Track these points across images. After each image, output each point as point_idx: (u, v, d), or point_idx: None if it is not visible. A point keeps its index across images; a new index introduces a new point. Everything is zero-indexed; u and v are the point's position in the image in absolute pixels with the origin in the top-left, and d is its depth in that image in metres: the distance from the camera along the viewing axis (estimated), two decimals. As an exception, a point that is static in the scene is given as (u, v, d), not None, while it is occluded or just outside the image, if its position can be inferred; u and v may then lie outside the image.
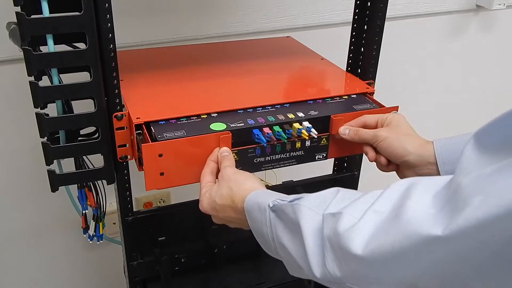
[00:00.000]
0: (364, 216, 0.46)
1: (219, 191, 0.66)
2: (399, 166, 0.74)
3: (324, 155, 0.81)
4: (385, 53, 0.94)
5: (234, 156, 0.73)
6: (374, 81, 0.93)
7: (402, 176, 0.74)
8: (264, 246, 0.61)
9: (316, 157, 0.81)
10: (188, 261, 0.94)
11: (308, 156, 0.80)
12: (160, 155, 0.70)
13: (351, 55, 0.97)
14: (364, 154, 0.78)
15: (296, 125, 0.76)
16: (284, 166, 0.79)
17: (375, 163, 0.77)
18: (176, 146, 0.70)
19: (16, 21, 0.63)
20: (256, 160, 0.77)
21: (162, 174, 0.71)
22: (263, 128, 0.74)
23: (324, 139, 0.80)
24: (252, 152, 0.76)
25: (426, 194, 0.43)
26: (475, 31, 1.65)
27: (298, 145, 0.78)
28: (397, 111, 0.81)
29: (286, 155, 0.78)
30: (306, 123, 0.76)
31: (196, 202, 0.94)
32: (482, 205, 0.36)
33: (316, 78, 0.94)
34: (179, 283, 0.97)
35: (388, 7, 0.87)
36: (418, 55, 1.58)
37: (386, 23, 0.88)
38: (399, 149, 0.71)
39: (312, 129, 0.75)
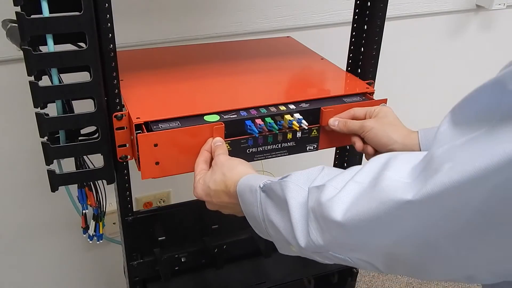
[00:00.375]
0: (345, 186, 0.48)
1: (213, 177, 0.68)
2: None
3: (315, 146, 0.84)
4: (385, 53, 0.94)
5: (227, 146, 0.76)
6: (374, 81, 0.93)
7: None
8: (255, 228, 0.63)
9: (307, 148, 0.83)
10: (188, 261, 0.94)
11: (300, 147, 0.82)
12: (156, 145, 0.71)
13: (351, 55, 0.97)
14: (352, 144, 0.80)
15: (288, 116, 0.78)
16: (276, 157, 0.82)
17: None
18: (170, 136, 0.72)
19: (12, 18, 0.63)
20: (249, 151, 0.79)
21: (157, 163, 0.73)
22: (255, 120, 0.77)
23: (315, 131, 0.82)
24: (244, 142, 0.78)
25: (404, 166, 0.44)
26: (475, 31, 1.65)
27: (289, 136, 0.80)
28: (385, 103, 0.83)
29: (278, 145, 0.80)
30: (297, 115, 0.78)
31: (196, 202, 0.93)
32: (449, 171, 0.38)
33: (316, 78, 0.94)
34: (179, 283, 0.97)
35: (388, 7, 0.87)
36: (418, 55, 1.58)
37: (386, 23, 0.88)
38: (384, 138, 0.74)
39: (303, 121, 0.78)
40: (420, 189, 0.40)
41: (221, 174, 0.67)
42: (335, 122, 0.80)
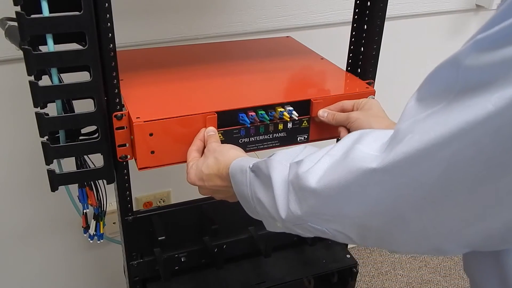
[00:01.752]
0: (320, 160, 0.51)
1: (205, 161, 0.71)
2: None
3: (306, 137, 0.86)
4: (385, 53, 0.94)
5: (220, 136, 0.78)
6: (374, 81, 0.93)
7: None
8: (246, 208, 0.65)
9: (298, 139, 0.85)
10: (188, 261, 0.94)
11: (291, 137, 0.84)
12: (151, 134, 0.73)
13: (351, 55, 0.97)
14: (338, 135, 0.82)
15: (279, 108, 0.80)
16: (268, 148, 0.83)
17: None
18: (165, 126, 0.74)
19: (9, 17, 0.63)
20: (241, 141, 0.81)
21: (152, 152, 0.75)
22: (248, 111, 0.78)
23: (305, 122, 0.84)
24: (237, 132, 0.80)
25: (375, 141, 0.47)
26: (475, 31, 1.65)
27: (280, 126, 0.82)
28: (374, 96, 0.85)
29: (269, 136, 0.83)
30: (288, 106, 0.80)
31: (196, 201, 0.94)
32: (408, 141, 0.40)
33: (316, 78, 0.94)
34: (179, 282, 0.97)
35: (388, 7, 0.87)
36: (418, 55, 1.58)
37: (386, 23, 0.88)
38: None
39: (294, 112, 0.80)
40: (383, 158, 0.43)
41: (214, 158, 0.69)
42: (324, 113, 0.82)
